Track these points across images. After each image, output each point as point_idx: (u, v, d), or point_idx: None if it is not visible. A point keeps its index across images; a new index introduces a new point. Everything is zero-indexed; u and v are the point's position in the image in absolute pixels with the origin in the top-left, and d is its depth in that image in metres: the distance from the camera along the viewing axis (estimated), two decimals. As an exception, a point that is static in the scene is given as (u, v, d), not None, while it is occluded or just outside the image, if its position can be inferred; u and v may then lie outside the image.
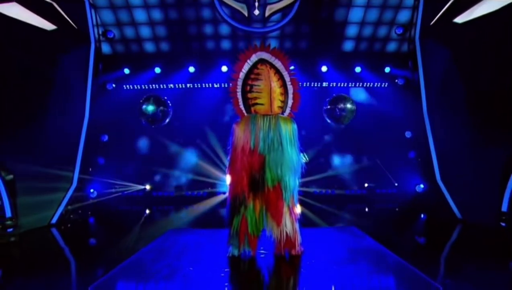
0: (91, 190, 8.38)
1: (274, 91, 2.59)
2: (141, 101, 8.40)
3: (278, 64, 2.73)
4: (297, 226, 2.58)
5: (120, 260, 2.90)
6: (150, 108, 8.21)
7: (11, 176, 5.95)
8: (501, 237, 5.63)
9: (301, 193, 8.13)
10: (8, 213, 5.66)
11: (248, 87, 2.71)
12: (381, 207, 8.68)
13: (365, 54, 9.27)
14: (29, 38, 6.21)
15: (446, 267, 3.73)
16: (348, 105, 8.20)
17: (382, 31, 8.84)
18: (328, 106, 8.44)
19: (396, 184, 8.76)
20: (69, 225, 7.08)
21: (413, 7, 8.06)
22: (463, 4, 6.69)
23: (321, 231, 5.18)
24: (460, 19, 6.80)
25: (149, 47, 9.42)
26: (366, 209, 8.44)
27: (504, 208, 6.02)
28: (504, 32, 6.00)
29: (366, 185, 8.97)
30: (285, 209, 2.50)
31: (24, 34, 6.13)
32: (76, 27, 7.22)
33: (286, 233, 2.44)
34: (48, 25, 6.41)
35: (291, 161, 2.52)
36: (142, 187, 9.14)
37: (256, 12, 8.35)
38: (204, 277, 2.17)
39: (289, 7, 8.46)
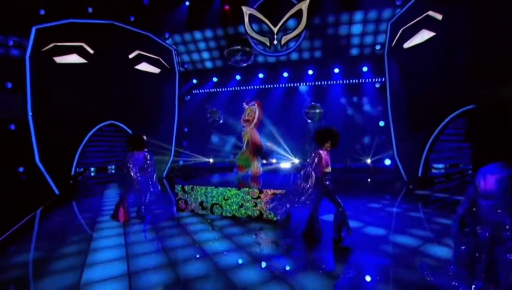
0: (180, 160, 14.05)
1: (252, 124, 7.16)
2: (208, 113, 13.76)
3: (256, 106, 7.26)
4: (258, 164, 7.17)
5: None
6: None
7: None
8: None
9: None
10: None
11: (246, 119, 7.32)
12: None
13: (365, 58, 12.59)
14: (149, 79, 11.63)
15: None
16: (317, 110, 12.18)
17: (381, 38, 11.96)
18: (305, 110, 12.55)
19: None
20: (171, 177, 12.86)
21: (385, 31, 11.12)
22: (407, 34, 9.80)
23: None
24: (405, 45, 9.94)
25: (208, 64, 14.38)
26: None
27: (420, 173, 9.59)
28: (431, 55, 9.11)
29: (370, 160, 12.46)
30: (255, 161, 7.11)
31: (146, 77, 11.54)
32: (168, 67, 12.45)
33: (252, 169, 7.08)
34: (156, 70, 11.74)
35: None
36: (208, 159, 14.49)
37: (275, 42, 12.40)
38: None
39: (298, 35, 12.26)
